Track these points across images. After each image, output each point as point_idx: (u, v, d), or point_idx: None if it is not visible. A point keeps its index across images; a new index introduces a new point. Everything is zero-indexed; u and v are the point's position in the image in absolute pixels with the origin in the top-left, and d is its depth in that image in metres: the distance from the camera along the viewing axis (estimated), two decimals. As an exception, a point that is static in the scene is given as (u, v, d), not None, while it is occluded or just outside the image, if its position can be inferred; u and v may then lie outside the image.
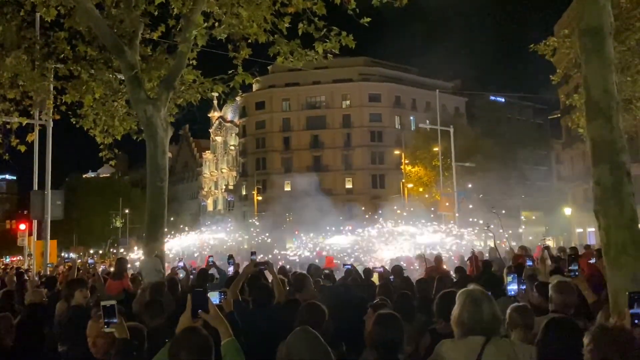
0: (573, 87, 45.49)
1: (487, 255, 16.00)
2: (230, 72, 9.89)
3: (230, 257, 8.02)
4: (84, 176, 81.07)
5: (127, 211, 61.29)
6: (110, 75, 11.69)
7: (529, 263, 9.83)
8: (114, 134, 12.72)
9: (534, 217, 45.99)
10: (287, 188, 67.32)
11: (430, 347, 3.35)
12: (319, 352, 2.46)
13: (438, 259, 13.54)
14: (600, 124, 3.26)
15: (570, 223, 48.39)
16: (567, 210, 42.56)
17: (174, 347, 2.50)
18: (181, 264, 8.63)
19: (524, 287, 4.39)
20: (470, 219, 28.07)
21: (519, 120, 75.46)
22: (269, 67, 64.99)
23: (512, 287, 4.32)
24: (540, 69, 66.42)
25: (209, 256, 9.91)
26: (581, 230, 48.69)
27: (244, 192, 70.35)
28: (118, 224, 63.80)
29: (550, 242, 22.87)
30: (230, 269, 9.15)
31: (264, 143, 69.25)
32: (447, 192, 29.42)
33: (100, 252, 66.39)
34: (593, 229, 46.87)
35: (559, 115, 58.34)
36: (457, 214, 30.23)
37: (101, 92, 11.51)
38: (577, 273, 3.90)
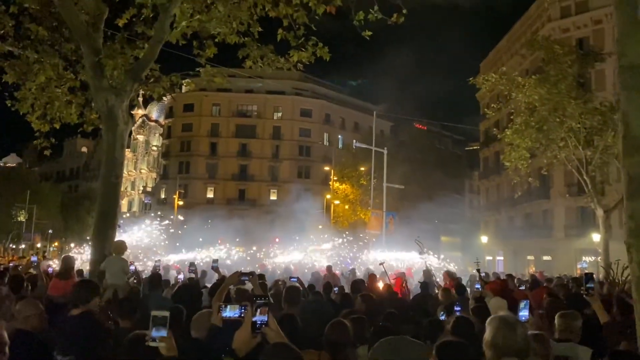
0: (493, 122, 48.38)
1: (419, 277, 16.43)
2: (197, 69, 9.48)
3: (192, 264, 7.57)
4: (-14, 164, 75.01)
5: (34, 206, 57.07)
6: (59, 59, 10.84)
7: (477, 286, 10.11)
8: (53, 122, 11.80)
9: (453, 242, 48.48)
10: (210, 195, 65.90)
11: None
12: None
13: (372, 276, 13.65)
14: (638, 161, 3.34)
15: (482, 251, 50.80)
16: (484, 238, 44.76)
17: None
18: (132, 267, 7.99)
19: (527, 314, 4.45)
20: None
21: (439, 149, 78.79)
22: (200, 70, 63.73)
23: (524, 314, 4.36)
24: (462, 102, 70.00)
25: (191, 262, 9.28)
26: (491, 258, 51.35)
27: (163, 195, 67.95)
28: (22, 218, 59.37)
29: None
30: (181, 277, 8.69)
31: (189, 146, 67.41)
32: (376, 212, 29.91)
33: (-2, 246, 61.44)
34: (502, 258, 49.64)
35: (478, 147, 61.63)
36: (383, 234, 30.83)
37: (46, 76, 10.63)
38: (592, 291, 4.02)
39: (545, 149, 22.66)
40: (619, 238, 27.38)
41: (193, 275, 7.99)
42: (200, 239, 25.76)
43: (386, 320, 5.33)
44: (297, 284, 7.25)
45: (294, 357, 2.31)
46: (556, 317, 4.38)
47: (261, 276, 10.73)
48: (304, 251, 25.36)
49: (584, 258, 36.10)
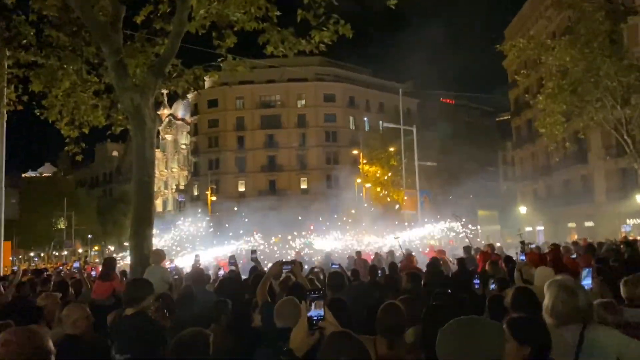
0: (523, 89, 47.09)
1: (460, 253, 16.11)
2: (219, 59, 9.30)
3: (232, 257, 7.46)
4: (23, 175, 77.00)
5: (72, 212, 58.41)
6: (81, 64, 10.84)
7: (522, 257, 9.78)
8: (81, 127, 11.84)
9: (490, 216, 47.54)
10: (241, 188, 66.33)
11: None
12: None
13: (410, 257, 13.53)
14: None
15: (520, 222, 49.82)
16: (522, 209, 43.82)
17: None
18: (172, 265, 7.91)
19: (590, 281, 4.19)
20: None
21: (468, 122, 77.33)
22: (221, 64, 63.67)
23: (587, 282, 4.10)
24: (488, 73, 68.32)
25: (231, 255, 9.19)
26: (530, 228, 50.26)
27: (196, 192, 68.70)
28: (61, 225, 60.88)
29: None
30: (221, 272, 8.59)
31: (217, 142, 67.84)
32: (410, 192, 29.52)
33: (42, 254, 63.22)
34: (542, 227, 48.55)
35: (509, 117, 60.19)
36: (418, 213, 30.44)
37: (71, 82, 10.63)
38: None
39: (581, 111, 21.85)
40: (664, 197, 25.92)
41: (234, 268, 7.88)
42: (241, 231, 25.96)
43: (436, 299, 5.11)
44: (339, 270, 7.03)
45: (358, 347, 2.12)
46: (621, 284, 4.11)
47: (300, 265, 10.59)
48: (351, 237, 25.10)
49: (628, 221, 34.98)
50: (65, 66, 10.56)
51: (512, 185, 61.37)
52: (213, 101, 68.31)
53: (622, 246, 11.48)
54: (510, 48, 21.67)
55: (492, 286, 5.45)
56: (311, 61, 66.65)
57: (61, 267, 10.79)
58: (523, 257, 9.69)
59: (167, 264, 8.29)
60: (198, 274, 7.28)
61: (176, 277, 7.53)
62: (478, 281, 6.90)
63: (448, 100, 75.53)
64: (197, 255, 9.61)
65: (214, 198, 58.92)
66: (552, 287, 3.20)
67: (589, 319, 3.08)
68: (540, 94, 21.87)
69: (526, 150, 52.34)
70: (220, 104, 67.94)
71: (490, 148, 72.62)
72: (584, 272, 4.10)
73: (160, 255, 7.69)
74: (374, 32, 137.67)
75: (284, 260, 6.04)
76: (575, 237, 40.62)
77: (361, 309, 5.42)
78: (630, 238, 20.86)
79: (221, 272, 8.43)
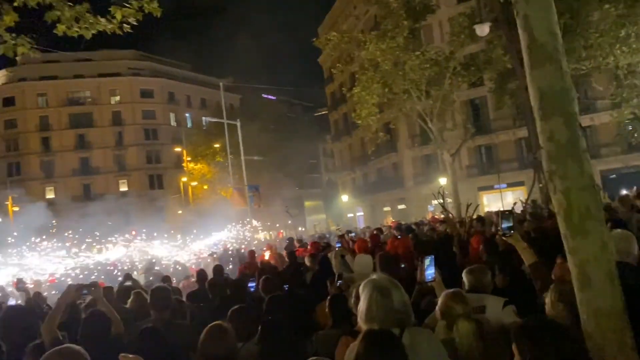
0: (338, 85, 49.36)
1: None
2: (-7, 39, 7.53)
3: (20, 281, 5.98)
4: None
5: None
6: None
7: (338, 244, 9.84)
8: None
9: (316, 206, 49.06)
10: (50, 195, 59.48)
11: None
12: None
13: (251, 253, 13.38)
14: (548, 71, 2.82)
15: (343, 209, 52.47)
16: (344, 198, 46.06)
17: None
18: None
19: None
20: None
21: (290, 117, 79.37)
22: (17, 58, 55.59)
23: (430, 272, 3.77)
24: (306, 69, 70.80)
25: (19, 279, 7.27)
26: (352, 215, 53.28)
27: (-8, 203, 59.90)
28: None
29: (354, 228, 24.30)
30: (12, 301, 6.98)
31: (17, 145, 59.90)
32: (238, 187, 28.91)
33: None
34: (361, 214, 51.70)
35: (327, 111, 63.03)
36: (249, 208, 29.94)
37: None
38: (512, 231, 3.59)
39: (391, 102, 23.28)
40: (460, 179, 29.33)
41: (22, 293, 6.38)
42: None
43: (269, 309, 4.49)
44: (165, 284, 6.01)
45: None
46: (464, 273, 3.94)
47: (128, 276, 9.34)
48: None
49: (433, 202, 38.73)
50: None
51: (333, 176, 64.46)
52: (9, 99, 60.35)
53: (438, 225, 12.17)
54: (325, 42, 22.20)
55: (339, 282, 5.02)
56: (124, 55, 62.34)
57: None
58: (339, 244, 9.75)
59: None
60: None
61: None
62: (254, 284, 6.42)
63: (269, 96, 76.49)
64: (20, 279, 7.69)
65: (16, 209, 51.87)
66: (366, 288, 2.89)
67: (406, 322, 2.82)
68: (355, 87, 22.79)
69: (344, 142, 55.23)
70: (19, 102, 60.15)
71: (312, 141, 75.46)
72: (427, 261, 3.79)
73: None
74: (191, 26, 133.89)
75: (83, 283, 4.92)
76: (391, 219, 43.97)
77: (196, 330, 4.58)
78: (436, 217, 22.87)
79: (12, 301, 6.81)
